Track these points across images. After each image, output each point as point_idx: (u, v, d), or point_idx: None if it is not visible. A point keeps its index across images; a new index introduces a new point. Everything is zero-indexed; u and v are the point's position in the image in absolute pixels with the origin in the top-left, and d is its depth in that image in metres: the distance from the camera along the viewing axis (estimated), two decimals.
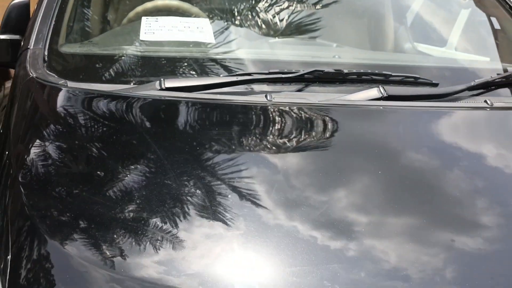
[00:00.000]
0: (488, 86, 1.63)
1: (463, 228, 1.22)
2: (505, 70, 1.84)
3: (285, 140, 1.43)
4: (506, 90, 1.69)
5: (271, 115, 1.50)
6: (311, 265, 1.07)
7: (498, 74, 1.71)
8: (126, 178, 1.30)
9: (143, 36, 1.80)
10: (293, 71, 1.55)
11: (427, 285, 1.07)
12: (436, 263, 1.11)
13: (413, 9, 2.47)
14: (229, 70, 1.70)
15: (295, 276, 1.06)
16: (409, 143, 1.45)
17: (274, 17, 2.05)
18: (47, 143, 1.43)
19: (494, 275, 1.12)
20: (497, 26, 2.18)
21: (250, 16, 2.09)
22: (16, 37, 1.91)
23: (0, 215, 1.25)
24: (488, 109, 1.55)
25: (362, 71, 1.60)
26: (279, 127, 1.48)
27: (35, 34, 1.76)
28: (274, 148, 1.40)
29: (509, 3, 2.16)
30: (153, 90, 1.51)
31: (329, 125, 1.49)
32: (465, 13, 2.33)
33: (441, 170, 1.37)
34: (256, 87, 1.55)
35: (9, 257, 1.14)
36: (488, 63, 2.03)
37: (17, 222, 1.22)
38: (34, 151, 1.39)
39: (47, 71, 1.60)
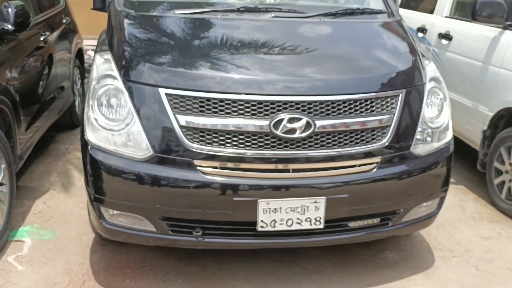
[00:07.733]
0: (325, 15, 3.48)
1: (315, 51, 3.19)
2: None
3: (241, 27, 3.35)
4: (334, 17, 3.56)
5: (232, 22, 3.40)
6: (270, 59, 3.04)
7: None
8: (184, 41, 3.15)
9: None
10: (240, 7, 3.42)
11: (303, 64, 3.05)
12: (306, 60, 3.09)
13: None
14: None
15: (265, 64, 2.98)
16: (283, 30, 3.33)
17: None
18: (129, 35, 3.14)
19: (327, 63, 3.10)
20: None
21: None
22: None
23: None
24: (321, 20, 3.42)
25: (267, 7, 3.53)
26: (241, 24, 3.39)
27: None
28: (242, 29, 3.31)
29: None
30: (174, 14, 3.34)
31: (256, 24, 3.37)
32: None
33: (301, 35, 3.34)
34: (226, 13, 3.39)
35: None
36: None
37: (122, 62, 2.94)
38: (125, 38, 3.09)
39: (124, 7, 3.39)
